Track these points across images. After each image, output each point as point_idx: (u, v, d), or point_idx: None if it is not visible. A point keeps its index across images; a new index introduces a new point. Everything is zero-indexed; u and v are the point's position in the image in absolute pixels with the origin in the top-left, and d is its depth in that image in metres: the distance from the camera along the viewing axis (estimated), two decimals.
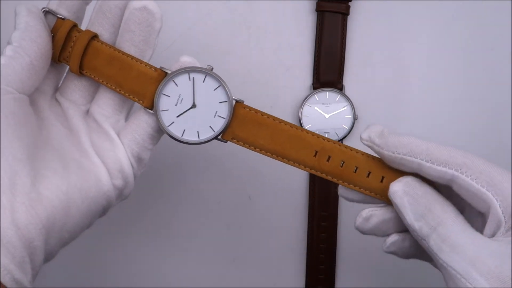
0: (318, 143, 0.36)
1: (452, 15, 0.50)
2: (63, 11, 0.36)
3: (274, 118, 0.36)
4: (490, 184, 0.31)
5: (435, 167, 0.32)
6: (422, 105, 0.50)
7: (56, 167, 0.32)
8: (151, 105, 0.36)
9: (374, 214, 0.35)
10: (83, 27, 0.37)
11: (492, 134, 0.50)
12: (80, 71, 0.36)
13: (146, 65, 0.36)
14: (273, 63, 0.50)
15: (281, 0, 0.49)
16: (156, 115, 0.35)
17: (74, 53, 0.36)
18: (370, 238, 0.51)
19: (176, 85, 0.36)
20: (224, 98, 0.36)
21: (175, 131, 0.36)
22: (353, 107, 0.49)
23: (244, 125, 0.36)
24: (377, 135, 0.34)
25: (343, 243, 0.52)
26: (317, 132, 0.36)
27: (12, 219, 0.28)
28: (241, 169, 0.51)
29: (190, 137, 0.36)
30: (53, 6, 0.36)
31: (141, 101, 0.36)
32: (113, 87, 0.36)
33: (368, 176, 0.36)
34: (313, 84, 0.50)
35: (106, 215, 0.37)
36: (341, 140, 0.49)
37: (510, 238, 0.30)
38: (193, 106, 0.36)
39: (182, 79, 0.36)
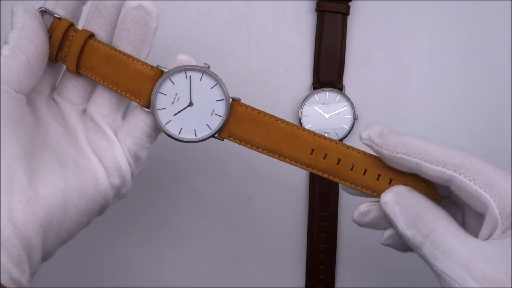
0: (315, 141, 0.36)
1: (452, 15, 0.50)
2: (60, 11, 0.36)
3: (271, 116, 0.36)
4: (487, 185, 0.31)
5: (433, 167, 0.32)
6: (422, 105, 0.50)
7: (54, 166, 0.32)
8: (148, 104, 0.36)
9: (371, 209, 0.35)
10: (79, 26, 0.37)
11: (492, 134, 0.50)
12: (77, 70, 0.36)
13: (142, 64, 0.36)
14: (273, 63, 0.50)
15: (281, 0, 0.49)
16: (153, 114, 0.36)
17: (71, 52, 0.36)
18: (370, 238, 0.51)
19: (173, 83, 0.36)
20: (221, 96, 0.36)
21: (172, 129, 0.36)
22: (353, 107, 0.49)
23: (241, 123, 0.36)
24: (376, 134, 0.35)
25: (343, 243, 0.52)
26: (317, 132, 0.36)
27: (9, 218, 0.28)
28: (241, 169, 0.51)
29: (187, 135, 0.36)
30: (49, 6, 0.36)
31: (137, 100, 0.36)
32: (110, 86, 0.36)
33: (364, 174, 0.36)
34: (313, 84, 0.50)
35: (105, 215, 0.37)
36: (341, 140, 0.49)
37: (505, 240, 0.30)
38: (190, 104, 0.36)
39: (179, 78, 0.36)
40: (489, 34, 0.49)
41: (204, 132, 0.36)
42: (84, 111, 0.38)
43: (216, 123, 0.36)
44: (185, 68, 0.35)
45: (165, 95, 0.36)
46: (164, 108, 0.36)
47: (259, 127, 0.36)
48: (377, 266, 0.52)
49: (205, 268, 0.53)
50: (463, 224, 0.35)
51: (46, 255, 0.32)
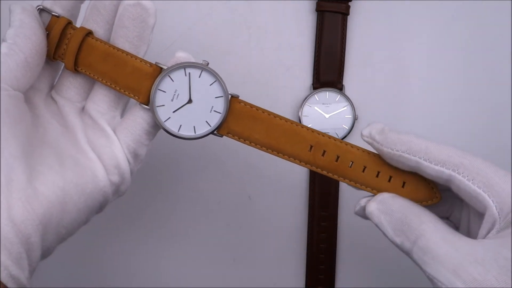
0: (313, 138, 0.36)
1: (452, 15, 0.50)
2: (58, 9, 0.36)
3: (269, 113, 0.36)
4: (486, 185, 0.31)
5: (433, 167, 0.32)
6: (422, 105, 0.50)
7: (52, 164, 0.32)
8: (146, 101, 0.36)
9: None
10: (78, 25, 0.37)
11: (492, 134, 0.50)
12: (75, 68, 0.36)
13: (141, 61, 0.36)
14: (273, 63, 0.50)
15: (281, 0, 0.49)
16: (152, 111, 0.36)
17: (69, 50, 0.36)
18: (370, 238, 0.51)
19: (172, 80, 0.36)
20: (220, 93, 0.36)
21: (172, 126, 0.36)
22: (353, 107, 0.49)
23: (239, 120, 0.36)
24: (377, 132, 0.35)
25: (343, 243, 0.52)
26: None
27: (8, 215, 0.28)
28: (241, 169, 0.51)
29: (186, 132, 0.36)
30: (47, 4, 0.36)
31: (136, 97, 0.36)
32: (108, 84, 0.36)
33: (363, 171, 0.36)
34: (313, 84, 0.50)
35: (104, 213, 0.37)
36: None
37: (498, 240, 0.30)
38: (189, 101, 0.36)
39: (178, 75, 0.36)
40: (489, 34, 0.50)
41: (204, 129, 0.36)
42: (83, 109, 0.38)
43: (215, 119, 0.36)
44: (184, 65, 0.35)
45: (164, 92, 0.36)
46: (163, 105, 0.36)
47: (258, 123, 0.36)
48: (377, 266, 0.52)
49: (205, 268, 0.53)
50: (468, 219, 0.35)
51: (46, 253, 0.32)
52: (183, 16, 0.49)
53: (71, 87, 0.38)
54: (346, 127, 0.49)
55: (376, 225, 0.33)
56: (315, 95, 0.49)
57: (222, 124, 0.36)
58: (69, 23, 0.36)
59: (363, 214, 0.35)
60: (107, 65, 0.36)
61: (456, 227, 0.36)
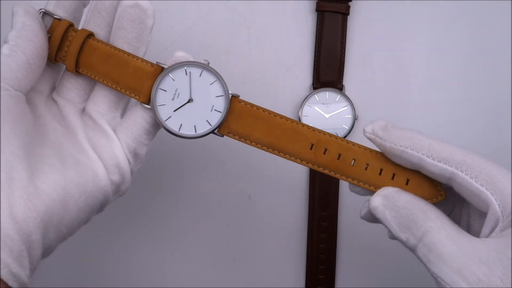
0: (314, 136, 0.36)
1: (452, 15, 0.50)
2: (61, 12, 0.36)
3: (270, 112, 0.36)
4: (489, 183, 0.31)
5: (436, 163, 0.32)
6: (422, 105, 0.50)
7: (53, 162, 0.33)
8: (147, 100, 0.36)
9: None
10: (80, 27, 0.38)
11: (492, 134, 0.50)
12: (76, 69, 0.37)
13: (142, 61, 0.36)
14: (273, 63, 0.50)
15: (281, 0, 0.49)
16: (153, 110, 0.36)
17: (70, 51, 0.36)
18: (370, 238, 0.51)
19: (173, 79, 0.36)
20: (220, 92, 0.36)
21: (172, 125, 0.36)
22: (353, 107, 0.49)
23: (240, 119, 0.36)
24: (380, 128, 0.34)
25: (343, 243, 0.52)
26: None
27: (10, 213, 0.28)
28: (241, 169, 0.51)
29: (187, 131, 0.36)
30: (50, 7, 0.36)
31: (137, 97, 0.36)
32: (109, 84, 0.36)
33: (366, 169, 0.35)
34: (313, 84, 0.50)
35: (104, 214, 0.37)
36: None
37: (503, 239, 0.29)
38: (190, 100, 0.36)
39: (179, 74, 0.36)
40: (489, 34, 0.50)
41: (204, 128, 0.36)
42: (83, 110, 0.38)
43: (216, 119, 0.36)
44: (184, 64, 0.36)
45: (165, 91, 0.36)
46: (164, 104, 0.36)
47: (258, 122, 0.36)
48: (377, 266, 0.52)
49: (205, 268, 0.53)
50: (468, 218, 0.35)
51: (47, 251, 0.32)
52: (182, 16, 0.49)
53: (72, 89, 0.38)
54: (346, 127, 0.49)
55: (380, 220, 0.33)
56: (315, 95, 0.49)
57: (223, 124, 0.36)
58: (71, 26, 0.37)
59: (369, 218, 0.35)
60: (108, 65, 0.36)
61: None
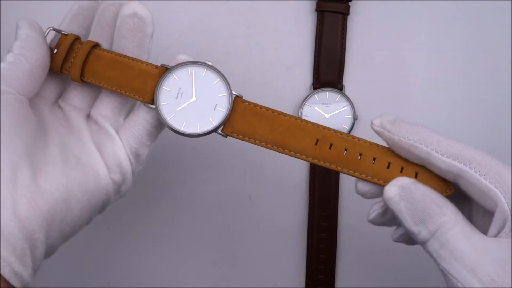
0: (319, 132, 0.35)
1: (452, 15, 0.50)
2: (75, 26, 0.38)
3: (273, 111, 0.36)
4: (498, 181, 0.30)
5: (444, 159, 0.32)
6: (422, 105, 0.50)
7: (56, 162, 0.33)
8: (151, 100, 0.36)
9: (388, 208, 0.34)
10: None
11: (492, 134, 0.50)
12: (81, 78, 0.37)
13: (147, 64, 0.36)
14: (273, 63, 0.50)
15: (281, 0, 0.49)
16: (156, 109, 0.36)
17: (76, 61, 0.37)
18: (370, 238, 0.51)
19: (176, 79, 0.36)
20: (224, 91, 0.36)
21: (175, 123, 0.36)
22: (353, 107, 0.49)
23: (243, 118, 0.36)
24: (389, 122, 0.34)
25: (343, 243, 0.52)
26: None
27: (13, 211, 0.28)
28: (241, 169, 0.51)
29: (190, 129, 0.36)
30: (66, 20, 0.38)
31: (141, 98, 0.36)
32: (114, 89, 0.37)
33: (373, 163, 0.34)
34: (313, 84, 0.50)
35: (105, 214, 0.37)
36: None
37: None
38: (193, 99, 0.36)
39: (182, 73, 0.36)
40: (489, 34, 0.50)
41: (207, 126, 0.36)
42: (88, 115, 0.38)
43: (218, 117, 0.36)
44: (188, 64, 0.36)
45: (169, 90, 0.36)
46: (168, 103, 0.36)
47: (262, 121, 0.36)
48: (377, 266, 0.52)
49: (205, 268, 0.53)
50: (470, 217, 0.34)
51: (49, 251, 0.32)
52: (183, 16, 0.49)
53: (77, 95, 0.39)
54: (346, 127, 0.49)
55: (393, 212, 0.32)
56: (315, 95, 0.49)
57: (226, 123, 0.36)
58: (77, 39, 0.38)
59: (378, 221, 0.35)
60: (114, 71, 0.36)
61: None
